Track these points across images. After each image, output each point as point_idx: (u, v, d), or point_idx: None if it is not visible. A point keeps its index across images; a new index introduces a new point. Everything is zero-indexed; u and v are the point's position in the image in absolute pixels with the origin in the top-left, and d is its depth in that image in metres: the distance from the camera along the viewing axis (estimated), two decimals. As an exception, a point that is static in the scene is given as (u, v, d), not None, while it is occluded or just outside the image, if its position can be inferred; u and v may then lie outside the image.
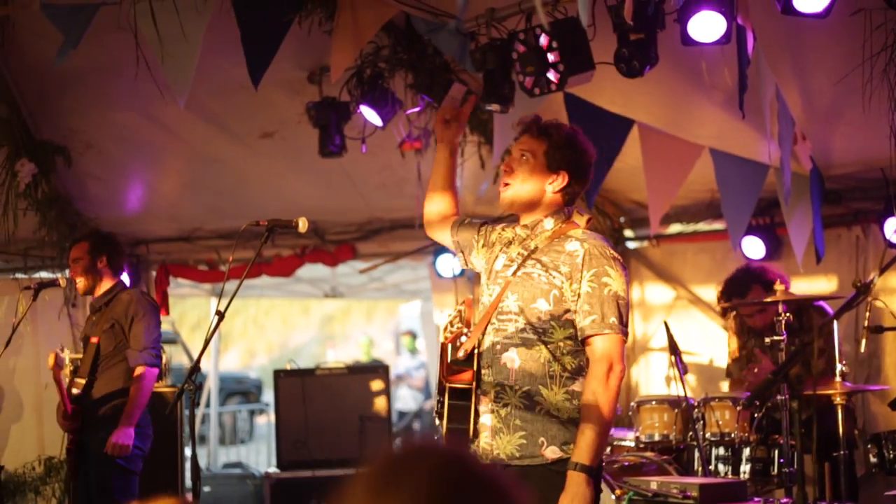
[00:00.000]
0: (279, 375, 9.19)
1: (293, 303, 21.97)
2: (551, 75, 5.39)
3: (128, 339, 6.75)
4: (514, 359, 4.07)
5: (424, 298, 11.97)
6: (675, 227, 8.53)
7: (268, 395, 18.49)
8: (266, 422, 18.62)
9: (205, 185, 8.93)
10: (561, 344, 4.06)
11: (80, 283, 7.03)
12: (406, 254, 9.15)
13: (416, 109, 7.30)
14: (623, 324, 4.03)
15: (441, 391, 4.20)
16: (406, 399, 16.11)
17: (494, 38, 5.74)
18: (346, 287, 12.10)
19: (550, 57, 5.36)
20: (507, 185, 4.24)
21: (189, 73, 5.67)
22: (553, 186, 4.18)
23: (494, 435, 4.09)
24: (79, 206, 8.95)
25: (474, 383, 4.11)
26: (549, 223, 4.22)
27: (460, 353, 4.09)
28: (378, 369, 9.35)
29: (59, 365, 6.58)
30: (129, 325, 6.76)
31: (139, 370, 6.66)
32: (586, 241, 4.09)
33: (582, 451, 3.89)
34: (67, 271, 9.04)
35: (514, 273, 4.16)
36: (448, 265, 8.61)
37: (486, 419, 4.11)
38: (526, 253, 4.18)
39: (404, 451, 1.57)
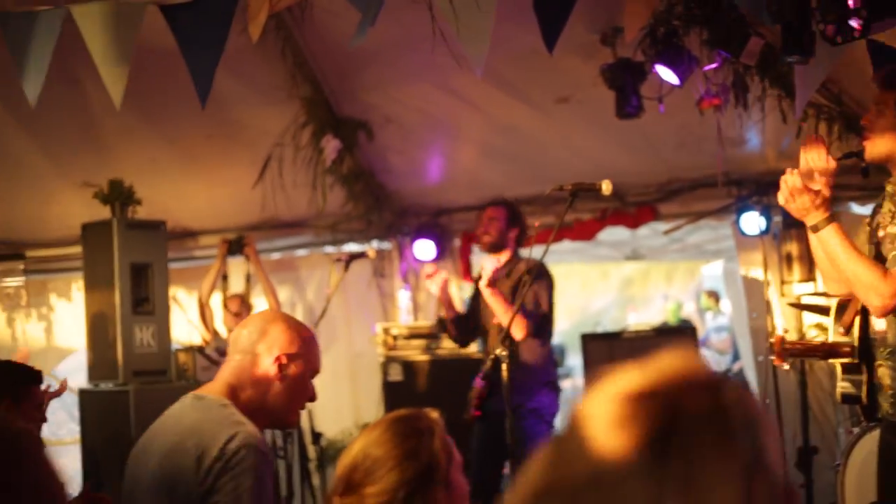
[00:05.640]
0: (586, 339, 9.19)
1: (592, 267, 21.96)
2: (853, 22, 5.16)
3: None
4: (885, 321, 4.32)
5: (727, 258, 11.73)
6: None
7: (571, 360, 18.55)
8: (570, 385, 18.69)
9: (503, 152, 9.00)
10: None
11: (487, 239, 7.26)
12: (708, 213, 8.97)
13: (714, 66, 7.14)
14: None
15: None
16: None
17: (793, -13, 5.55)
18: (646, 249, 11.97)
19: (851, 3, 5.14)
20: (866, 138, 4.40)
21: (485, 42, 5.68)
22: None
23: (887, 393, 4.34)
24: (382, 179, 9.18)
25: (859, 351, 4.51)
26: None
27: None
28: (686, 330, 9.21)
29: None
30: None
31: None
32: None
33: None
34: (374, 242, 9.31)
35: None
36: (753, 222, 8.36)
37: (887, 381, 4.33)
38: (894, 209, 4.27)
39: None
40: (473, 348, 8.13)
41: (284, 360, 3.59)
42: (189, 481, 3.36)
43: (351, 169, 8.82)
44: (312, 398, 3.72)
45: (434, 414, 2.80)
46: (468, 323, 7.52)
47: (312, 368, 3.69)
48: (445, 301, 7.38)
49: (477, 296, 7.51)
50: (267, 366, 3.58)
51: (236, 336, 3.70)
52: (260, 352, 3.60)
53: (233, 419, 3.47)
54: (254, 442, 3.39)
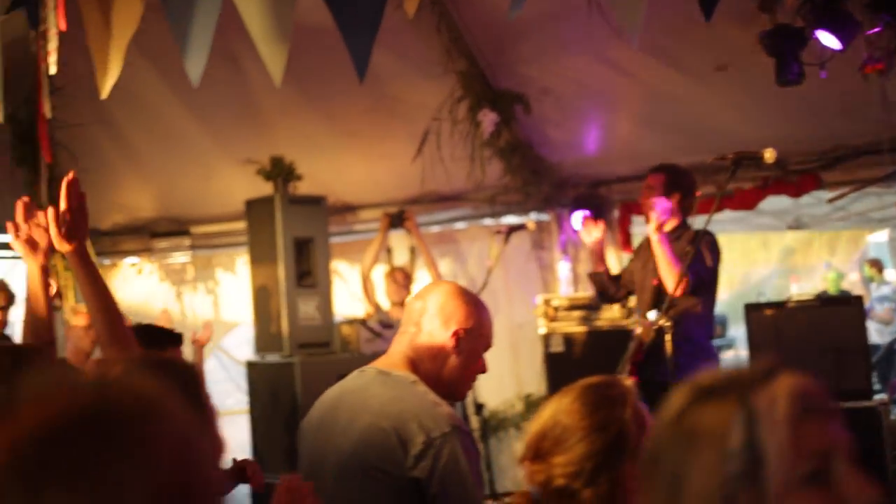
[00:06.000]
0: (750, 309, 9.05)
1: (751, 237, 21.58)
2: None
3: None
4: None
5: (893, 226, 11.48)
6: None
7: (732, 331, 18.33)
8: (732, 356, 18.45)
9: (661, 122, 8.91)
10: None
11: (646, 210, 7.21)
12: (874, 181, 8.76)
13: (876, 30, 6.97)
14: None
15: None
16: (870, 332, 15.37)
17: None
18: (809, 217, 11.74)
19: None
20: None
21: (640, 12, 5.64)
22: None
23: None
24: (540, 152, 9.17)
25: None
26: None
27: None
28: (851, 300, 9.00)
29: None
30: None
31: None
32: None
33: None
34: (533, 214, 9.33)
35: None
36: (920, 189, 8.15)
37: None
38: None
39: None
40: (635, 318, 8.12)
41: (462, 334, 3.61)
42: (395, 463, 3.36)
43: (508, 142, 8.83)
44: (483, 371, 3.74)
45: (628, 381, 2.77)
46: (610, 284, 7.43)
47: (486, 343, 3.71)
48: (597, 253, 7.31)
49: (636, 258, 7.44)
50: (444, 339, 3.60)
51: (411, 308, 3.71)
52: (437, 325, 3.61)
53: (428, 399, 3.49)
54: (456, 423, 3.43)
